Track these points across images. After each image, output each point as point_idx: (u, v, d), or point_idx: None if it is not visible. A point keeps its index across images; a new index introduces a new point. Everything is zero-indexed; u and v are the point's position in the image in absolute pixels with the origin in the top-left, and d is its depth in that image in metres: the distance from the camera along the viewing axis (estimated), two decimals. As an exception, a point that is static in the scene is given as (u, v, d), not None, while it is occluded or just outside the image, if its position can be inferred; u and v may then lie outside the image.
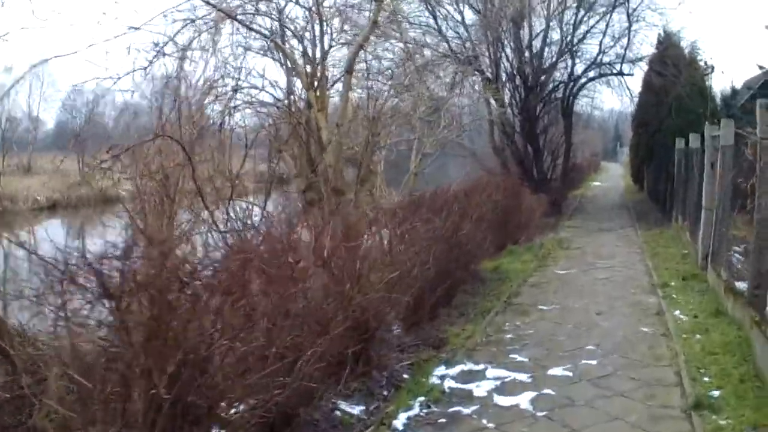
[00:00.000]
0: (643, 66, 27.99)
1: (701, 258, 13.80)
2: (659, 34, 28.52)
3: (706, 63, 22.71)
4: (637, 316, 10.47)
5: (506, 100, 26.27)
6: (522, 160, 25.98)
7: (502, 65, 25.40)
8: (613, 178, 57.15)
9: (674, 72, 25.10)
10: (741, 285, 10.94)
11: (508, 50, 25.85)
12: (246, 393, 5.15)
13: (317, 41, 10.44)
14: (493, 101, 25.84)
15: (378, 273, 7.49)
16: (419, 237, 9.13)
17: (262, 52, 10.72)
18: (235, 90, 10.25)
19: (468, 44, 25.80)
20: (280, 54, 10.47)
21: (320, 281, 6.29)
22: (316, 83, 10.00)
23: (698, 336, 9.28)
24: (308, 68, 10.61)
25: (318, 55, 10.58)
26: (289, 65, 9.81)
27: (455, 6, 25.15)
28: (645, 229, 21.46)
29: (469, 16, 25.71)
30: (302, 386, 5.77)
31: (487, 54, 25.91)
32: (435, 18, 25.03)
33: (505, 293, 12.12)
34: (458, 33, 25.80)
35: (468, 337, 9.46)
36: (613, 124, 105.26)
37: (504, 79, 25.61)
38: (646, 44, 28.39)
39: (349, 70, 9.40)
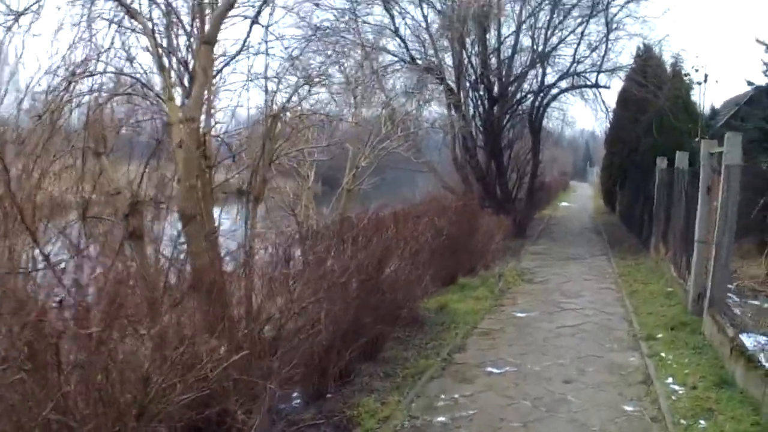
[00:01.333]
0: (620, 79, 25.74)
1: (692, 300, 11.27)
2: (638, 47, 26.46)
3: (696, 70, 20.21)
4: (617, 387, 7.83)
5: (470, 110, 23.69)
6: (484, 177, 23.34)
7: (464, 72, 22.78)
8: (582, 198, 54.87)
9: (655, 83, 22.77)
10: (747, 340, 8.49)
11: (472, 57, 23.25)
12: None
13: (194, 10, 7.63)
14: (454, 111, 23.32)
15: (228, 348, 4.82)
16: (311, 283, 6.46)
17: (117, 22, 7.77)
18: (88, 74, 7.38)
19: (429, 50, 23.25)
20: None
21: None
22: (170, 62, 7.21)
23: (702, 422, 6.69)
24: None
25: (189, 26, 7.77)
26: (150, 40, 7.04)
27: (416, 4, 22.47)
28: (619, 258, 18.95)
29: (433, 17, 23.15)
30: None
31: (450, 59, 23.34)
32: (392, 17, 22.39)
33: (446, 345, 9.45)
34: (418, 36, 23.21)
35: (385, 419, 6.78)
36: (584, 143, 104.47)
37: (467, 87, 22.98)
38: (625, 54, 26.12)
39: (207, 40, 6.61)
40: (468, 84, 22.92)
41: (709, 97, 55.30)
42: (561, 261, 18.34)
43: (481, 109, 23.67)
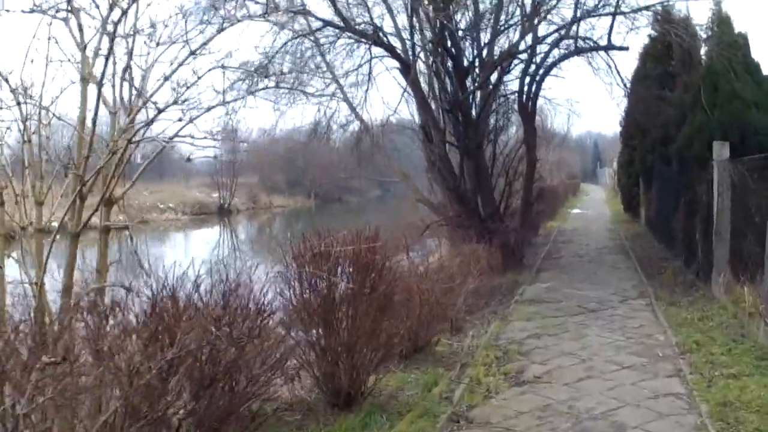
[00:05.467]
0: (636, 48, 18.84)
1: None
2: (655, 12, 19.66)
3: None
4: None
5: (434, 90, 16.71)
6: (456, 186, 16.19)
7: (416, 30, 15.75)
8: (595, 202, 47.74)
9: (687, 38, 15.82)
10: None
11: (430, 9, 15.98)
12: None
13: None
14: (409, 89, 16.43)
15: None
16: None
17: None
18: None
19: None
20: None
21: None
22: None
23: None
24: None
25: None
26: None
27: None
28: (667, 303, 11.88)
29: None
30: None
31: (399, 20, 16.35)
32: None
33: None
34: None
35: None
36: (592, 143, 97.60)
37: (414, 48, 15.88)
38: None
39: None
40: (423, 51, 15.81)
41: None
42: (575, 316, 11.21)
43: (447, 86, 16.54)
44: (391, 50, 16.01)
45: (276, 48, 16.29)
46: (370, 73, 17.97)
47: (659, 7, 15.54)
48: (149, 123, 6.39)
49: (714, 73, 13.37)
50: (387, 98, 39.42)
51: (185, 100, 6.59)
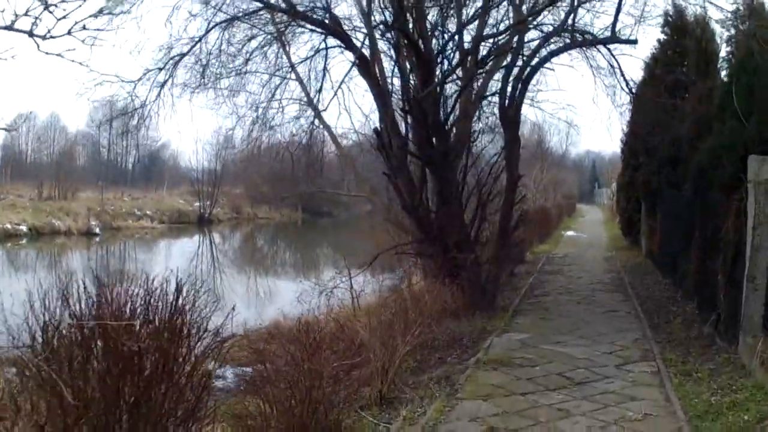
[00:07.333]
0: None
1: None
2: (666, 12, 17.11)
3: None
4: None
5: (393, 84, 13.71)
6: (416, 206, 13.00)
7: (372, 11, 12.73)
8: (593, 225, 44.59)
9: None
10: None
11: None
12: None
13: None
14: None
15: None
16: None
17: None
18: None
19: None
20: None
21: None
22: None
23: None
24: None
25: None
26: None
27: None
28: (681, 371, 8.77)
29: None
30: None
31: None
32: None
33: None
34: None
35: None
36: (590, 163, 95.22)
37: (374, 36, 12.86)
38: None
39: None
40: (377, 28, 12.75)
41: None
42: (552, 392, 7.93)
43: (411, 78, 13.44)
44: (340, 35, 12.97)
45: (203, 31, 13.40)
46: (325, 68, 15.05)
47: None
48: None
49: (749, 70, 10.22)
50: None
51: None
